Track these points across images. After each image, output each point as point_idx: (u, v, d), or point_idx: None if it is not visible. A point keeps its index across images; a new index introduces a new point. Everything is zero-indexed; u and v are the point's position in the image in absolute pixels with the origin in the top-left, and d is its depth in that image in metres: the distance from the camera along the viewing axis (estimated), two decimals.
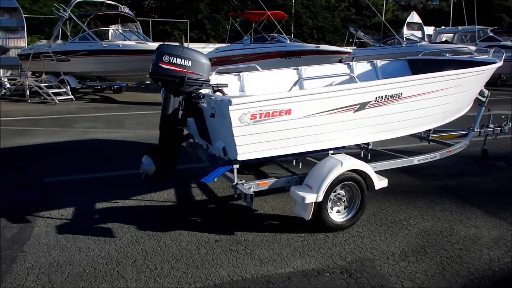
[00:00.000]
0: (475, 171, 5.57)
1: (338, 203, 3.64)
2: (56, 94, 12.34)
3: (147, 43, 12.93)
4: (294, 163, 4.58)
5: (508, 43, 16.51)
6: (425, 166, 5.15)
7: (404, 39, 16.88)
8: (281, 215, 4.01)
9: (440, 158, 4.58)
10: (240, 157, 3.19)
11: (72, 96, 12.59)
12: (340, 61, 14.43)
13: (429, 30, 26.02)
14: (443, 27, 24.13)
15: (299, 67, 5.37)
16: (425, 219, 3.95)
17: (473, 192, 4.71)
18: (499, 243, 3.49)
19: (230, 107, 2.94)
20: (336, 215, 3.63)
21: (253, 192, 3.25)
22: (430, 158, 4.44)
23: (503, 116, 5.94)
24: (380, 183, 3.69)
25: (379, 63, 5.87)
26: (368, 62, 5.87)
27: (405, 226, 3.79)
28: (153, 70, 3.49)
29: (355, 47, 20.42)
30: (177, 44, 4.09)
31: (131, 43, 12.18)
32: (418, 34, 21.13)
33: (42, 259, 3.13)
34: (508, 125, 5.88)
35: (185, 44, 19.14)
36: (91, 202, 4.27)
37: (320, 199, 3.35)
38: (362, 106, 3.54)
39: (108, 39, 14.18)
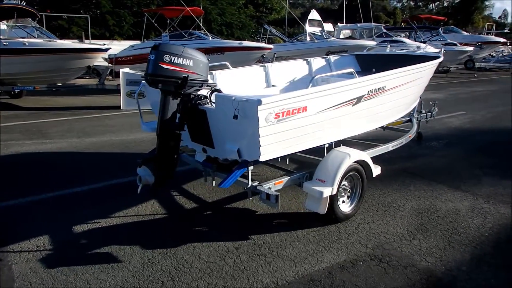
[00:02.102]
0: (420, 152, 6.27)
1: (343, 194, 3.78)
2: None
3: (55, 41, 11.50)
4: (279, 160, 4.58)
5: (398, 38, 18.81)
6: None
7: (308, 35, 17.94)
8: (284, 213, 3.99)
9: (405, 143, 5.05)
10: (262, 158, 3.10)
11: None
12: (262, 57, 14.78)
13: (326, 26, 28.19)
14: (339, 24, 26.30)
15: (266, 64, 5.38)
16: (408, 200, 4.34)
17: (429, 170, 5.31)
18: (475, 212, 4.03)
19: (260, 107, 2.82)
20: (343, 205, 3.77)
21: (278, 193, 3.17)
22: (399, 143, 4.87)
23: (430, 103, 6.78)
24: (376, 170, 3.93)
25: (332, 58, 6.20)
26: (322, 58, 6.15)
27: (396, 208, 4.11)
28: (152, 71, 3.14)
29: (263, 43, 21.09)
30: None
31: (38, 41, 10.66)
32: (319, 30, 22.73)
33: None
34: (436, 110, 6.74)
35: (86, 42, 17.59)
36: (65, 227, 3.69)
37: (334, 191, 3.44)
38: (359, 99, 3.72)
39: None
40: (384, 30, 20.03)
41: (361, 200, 3.91)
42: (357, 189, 3.86)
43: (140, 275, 2.91)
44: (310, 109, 3.21)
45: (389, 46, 10.14)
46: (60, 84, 11.97)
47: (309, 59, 5.94)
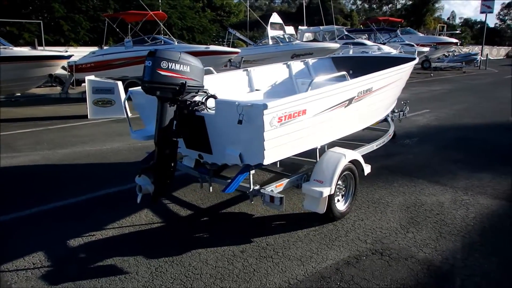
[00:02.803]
0: (396, 150, 6.57)
1: (338, 193, 3.90)
2: None
3: (11, 48, 10.89)
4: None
5: (359, 40, 19.55)
6: None
7: (272, 39, 18.18)
8: (280, 215, 4.05)
9: (387, 141, 5.29)
10: (266, 161, 3.15)
11: None
12: (229, 61, 14.82)
13: (287, 29, 28.68)
14: (301, 27, 26.83)
15: (248, 69, 5.44)
16: (395, 195, 4.55)
17: (408, 167, 5.60)
18: (457, 204, 4.30)
19: (265, 111, 2.88)
20: (338, 204, 3.89)
21: (282, 195, 3.23)
22: (382, 142, 5.09)
23: (402, 102, 7.13)
24: (367, 169, 4.10)
25: (310, 61, 6.37)
26: (301, 61, 6.31)
27: (385, 204, 4.30)
28: (149, 78, 3.10)
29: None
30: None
31: None
32: (281, 33, 23.12)
33: None
34: (407, 109, 7.10)
35: (40, 48, 16.82)
36: (58, 242, 3.54)
37: (332, 191, 3.55)
38: (350, 101, 3.87)
39: None
40: (346, 33, 20.75)
41: (354, 198, 4.07)
42: (351, 188, 4.00)
43: (151, 285, 2.86)
44: (308, 111, 3.31)
45: (352, 47, 10.45)
46: (19, 94, 11.36)
47: (289, 62, 6.07)
